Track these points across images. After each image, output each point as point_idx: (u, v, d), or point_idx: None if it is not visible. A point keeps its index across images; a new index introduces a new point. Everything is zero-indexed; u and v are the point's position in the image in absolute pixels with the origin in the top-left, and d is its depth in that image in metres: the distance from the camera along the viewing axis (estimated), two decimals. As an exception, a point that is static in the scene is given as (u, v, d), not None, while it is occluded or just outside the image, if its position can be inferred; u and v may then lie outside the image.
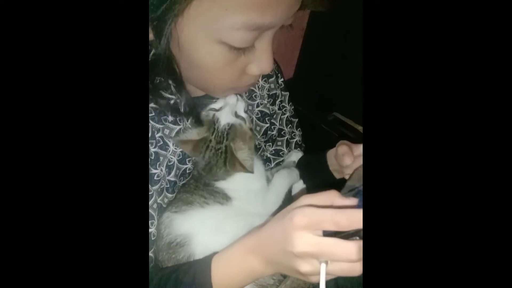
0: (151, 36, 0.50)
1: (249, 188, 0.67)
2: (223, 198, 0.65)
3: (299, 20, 1.11)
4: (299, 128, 0.86)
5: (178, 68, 0.55)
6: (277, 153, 0.82)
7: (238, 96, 0.67)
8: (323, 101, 1.08)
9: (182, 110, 0.61)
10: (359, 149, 0.63)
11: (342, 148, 0.63)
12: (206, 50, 0.50)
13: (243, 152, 0.64)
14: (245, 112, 0.68)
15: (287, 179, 0.72)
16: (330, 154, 0.72)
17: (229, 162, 0.64)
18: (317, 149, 0.77)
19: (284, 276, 0.58)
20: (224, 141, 0.65)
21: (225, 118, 0.65)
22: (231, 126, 0.65)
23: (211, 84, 0.59)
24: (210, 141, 0.65)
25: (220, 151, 0.65)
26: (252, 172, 0.63)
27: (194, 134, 0.65)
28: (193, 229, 0.60)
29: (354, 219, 0.40)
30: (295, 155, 0.81)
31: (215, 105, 0.66)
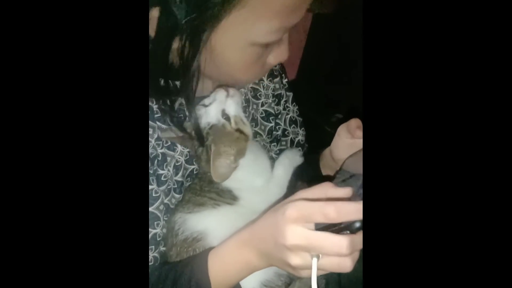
0: (176, 40, 0.52)
1: (252, 185, 0.67)
2: (231, 198, 0.65)
3: (303, 22, 1.12)
4: (303, 128, 0.87)
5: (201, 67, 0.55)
6: (281, 152, 0.83)
7: (229, 91, 0.64)
8: (326, 102, 1.09)
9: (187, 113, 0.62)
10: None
11: (356, 121, 0.65)
12: (239, 52, 0.54)
13: (220, 158, 0.61)
14: (243, 109, 0.66)
15: (288, 166, 0.72)
16: (324, 154, 0.75)
17: (207, 163, 0.62)
18: (320, 149, 0.78)
19: (292, 278, 0.59)
20: (205, 141, 0.62)
21: (207, 117, 0.62)
22: (212, 127, 0.62)
23: (235, 79, 0.61)
24: (193, 138, 0.63)
25: (200, 149, 0.63)
26: (219, 182, 0.62)
27: (175, 131, 0.62)
28: (208, 227, 0.61)
29: (343, 210, 0.41)
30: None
31: (206, 100, 0.64)
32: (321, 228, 0.43)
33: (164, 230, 0.64)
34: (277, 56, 0.59)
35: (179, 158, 0.65)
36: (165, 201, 0.63)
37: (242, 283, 0.56)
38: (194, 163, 0.68)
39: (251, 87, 0.77)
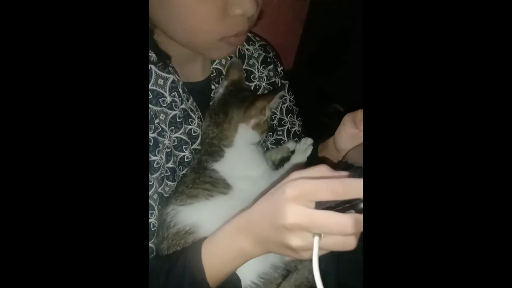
0: None
1: (246, 175, 0.65)
2: (225, 187, 0.63)
3: (298, 10, 1.10)
4: (299, 118, 0.85)
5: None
6: (277, 142, 0.81)
7: None
8: (323, 92, 1.07)
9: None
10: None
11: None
12: None
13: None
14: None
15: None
16: (327, 143, 0.73)
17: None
18: (316, 140, 0.76)
19: (289, 271, 0.57)
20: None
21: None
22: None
23: (195, 30, 0.55)
24: (240, 82, 0.70)
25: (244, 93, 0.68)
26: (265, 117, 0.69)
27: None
28: (201, 219, 0.59)
29: (350, 186, 0.39)
30: (291, 144, 0.79)
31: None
32: (324, 208, 0.40)
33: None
34: (240, 4, 0.52)
35: (169, 144, 0.62)
36: (159, 190, 0.61)
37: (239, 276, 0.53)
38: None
39: (245, 69, 0.74)
